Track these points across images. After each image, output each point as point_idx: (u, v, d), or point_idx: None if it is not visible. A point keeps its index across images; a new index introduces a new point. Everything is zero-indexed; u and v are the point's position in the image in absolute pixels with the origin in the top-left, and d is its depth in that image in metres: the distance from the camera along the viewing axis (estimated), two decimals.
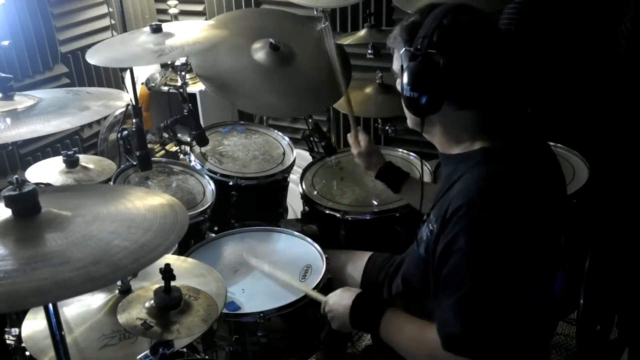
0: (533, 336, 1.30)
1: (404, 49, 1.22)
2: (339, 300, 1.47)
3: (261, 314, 1.55)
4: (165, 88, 2.72)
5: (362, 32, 2.39)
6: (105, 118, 2.95)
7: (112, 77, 3.12)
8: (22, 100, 1.41)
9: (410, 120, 1.35)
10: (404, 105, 1.29)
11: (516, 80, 1.30)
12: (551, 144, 2.08)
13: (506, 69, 1.25)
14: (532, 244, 1.19)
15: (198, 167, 2.10)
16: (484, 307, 1.16)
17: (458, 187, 1.21)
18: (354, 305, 1.43)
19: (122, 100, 1.52)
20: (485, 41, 1.22)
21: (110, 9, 3.08)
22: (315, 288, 1.62)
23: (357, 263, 1.79)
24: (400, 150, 2.30)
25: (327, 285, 1.68)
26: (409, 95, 1.22)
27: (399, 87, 1.36)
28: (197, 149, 2.15)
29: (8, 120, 1.28)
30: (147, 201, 1.17)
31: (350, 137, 1.88)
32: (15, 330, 1.48)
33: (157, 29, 1.88)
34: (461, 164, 1.26)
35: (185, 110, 2.06)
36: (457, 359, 1.19)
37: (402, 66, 1.23)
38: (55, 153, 2.61)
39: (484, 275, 1.16)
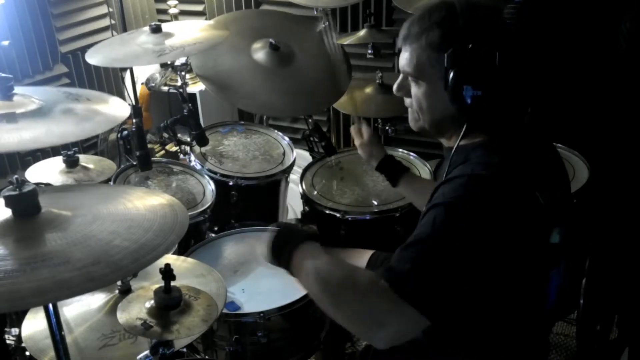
0: (526, 334, 1.30)
1: (451, 49, 1.18)
2: (274, 226, 1.35)
3: (261, 314, 1.55)
4: (165, 88, 2.72)
5: (362, 32, 2.39)
6: None
7: (112, 77, 3.12)
8: (23, 103, 1.39)
9: (433, 121, 1.30)
10: (434, 105, 1.26)
11: (524, 75, 1.31)
12: None
13: (525, 64, 1.26)
14: (516, 232, 1.15)
15: (198, 167, 2.10)
16: (440, 264, 1.09)
17: (453, 173, 1.21)
18: (277, 232, 1.31)
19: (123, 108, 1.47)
20: (513, 35, 1.24)
21: (110, 9, 3.08)
22: None
23: (357, 262, 1.79)
24: (400, 150, 2.29)
25: None
26: (472, 94, 1.17)
27: (399, 93, 1.34)
28: (197, 149, 2.15)
29: (8, 125, 1.27)
30: (147, 201, 1.17)
31: (353, 129, 1.90)
32: (15, 330, 1.48)
33: (157, 29, 1.89)
34: (461, 156, 1.26)
35: (185, 110, 2.07)
36: (386, 297, 1.08)
37: (446, 68, 1.18)
38: (55, 153, 2.60)
39: (454, 234, 1.10)
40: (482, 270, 1.12)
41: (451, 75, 1.18)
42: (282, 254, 1.27)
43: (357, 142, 1.88)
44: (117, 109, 1.37)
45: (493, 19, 1.23)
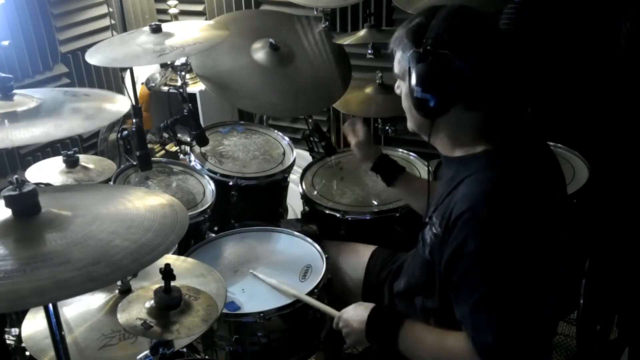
0: (543, 334, 1.31)
1: (412, 51, 1.21)
2: (354, 315, 1.47)
3: (261, 314, 1.55)
4: (165, 88, 2.72)
5: (362, 32, 2.39)
6: None
7: (112, 77, 3.12)
8: (23, 102, 1.40)
9: (414, 123, 1.34)
10: (411, 107, 1.28)
11: (518, 80, 1.31)
12: (551, 144, 2.08)
13: (511, 69, 1.25)
14: (538, 242, 1.20)
15: (198, 167, 2.10)
16: (509, 311, 1.17)
17: (462, 191, 1.21)
18: (369, 319, 1.42)
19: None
20: (493, 41, 1.23)
21: (110, 9, 3.08)
22: (315, 288, 1.62)
23: (359, 256, 1.79)
24: (400, 150, 2.30)
25: (328, 285, 1.68)
26: (420, 96, 1.20)
27: (397, 91, 1.36)
28: (197, 149, 2.15)
29: (6, 122, 1.28)
30: (147, 201, 1.17)
31: (346, 127, 1.83)
32: (15, 330, 1.48)
33: (157, 29, 1.89)
34: (463, 167, 1.26)
35: (185, 110, 2.06)
36: None
37: (409, 68, 1.21)
38: (55, 153, 2.61)
39: (501, 277, 1.16)
40: (534, 293, 1.21)
41: (409, 77, 1.22)
42: (383, 338, 1.41)
43: (352, 141, 1.81)
44: (117, 103, 1.38)
45: (472, 25, 1.23)
